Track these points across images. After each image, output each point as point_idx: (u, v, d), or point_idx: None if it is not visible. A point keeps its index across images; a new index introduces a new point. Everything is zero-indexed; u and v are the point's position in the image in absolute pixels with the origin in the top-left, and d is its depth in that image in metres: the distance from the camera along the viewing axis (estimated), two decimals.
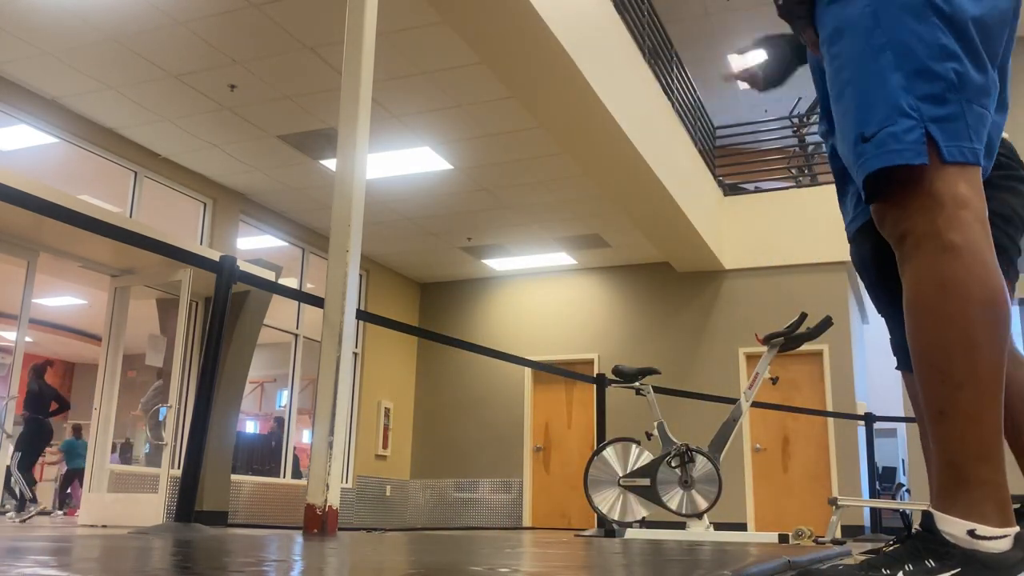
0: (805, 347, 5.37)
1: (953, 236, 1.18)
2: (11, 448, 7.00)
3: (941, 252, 1.18)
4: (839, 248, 9.75)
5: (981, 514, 1.12)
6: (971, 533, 1.12)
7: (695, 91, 10.24)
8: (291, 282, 10.37)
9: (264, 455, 12.16)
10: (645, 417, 5.55)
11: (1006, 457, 2.17)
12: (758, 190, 11.09)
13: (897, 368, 1.60)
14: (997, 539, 1.12)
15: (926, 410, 1.20)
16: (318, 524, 3.44)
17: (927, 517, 1.16)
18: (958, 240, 1.18)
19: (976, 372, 1.15)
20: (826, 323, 4.87)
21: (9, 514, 7.89)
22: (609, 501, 5.15)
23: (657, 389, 5.47)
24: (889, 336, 1.44)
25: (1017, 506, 2.07)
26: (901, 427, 11.26)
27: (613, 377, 5.44)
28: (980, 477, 1.14)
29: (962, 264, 1.18)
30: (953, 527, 1.13)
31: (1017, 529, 1.14)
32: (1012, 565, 1.12)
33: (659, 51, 8.89)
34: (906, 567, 1.13)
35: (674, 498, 4.98)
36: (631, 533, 5.01)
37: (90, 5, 6.13)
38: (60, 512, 11.54)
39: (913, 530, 1.20)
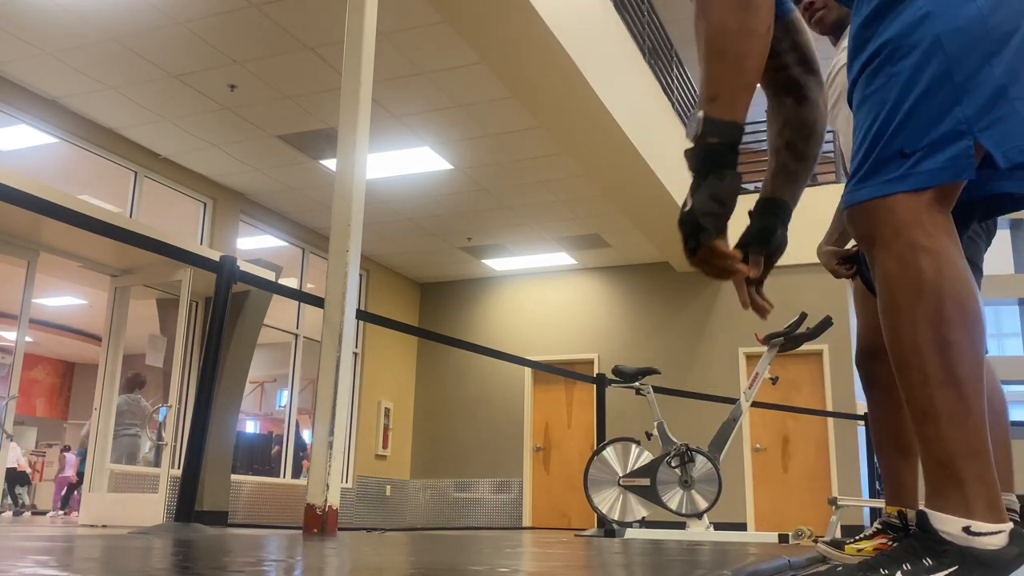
0: (805, 347, 5.37)
1: (921, 239, 1.20)
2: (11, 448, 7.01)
3: (911, 253, 1.20)
4: None
5: (974, 510, 1.13)
6: (966, 530, 1.13)
7: (695, 91, 10.24)
8: (291, 282, 10.37)
9: (265, 454, 12.17)
10: (645, 417, 5.55)
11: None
12: (758, 190, 11.08)
13: None
14: (992, 535, 1.12)
15: (909, 411, 1.21)
16: (318, 524, 3.44)
17: (922, 516, 1.17)
18: (926, 242, 1.20)
19: (955, 371, 1.16)
20: (826, 323, 4.87)
21: None
22: (609, 501, 5.15)
23: (657, 389, 5.47)
24: None
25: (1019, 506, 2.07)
26: None
27: (613, 377, 5.44)
28: (970, 474, 1.14)
29: (933, 265, 1.19)
30: (948, 525, 1.14)
31: (1011, 525, 1.14)
32: (1009, 561, 1.12)
33: (659, 51, 8.89)
34: (904, 566, 1.14)
35: (674, 498, 4.98)
36: (631, 533, 5.01)
37: (90, 5, 6.13)
38: (61, 512, 11.55)
39: (910, 529, 1.21)
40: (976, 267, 2.25)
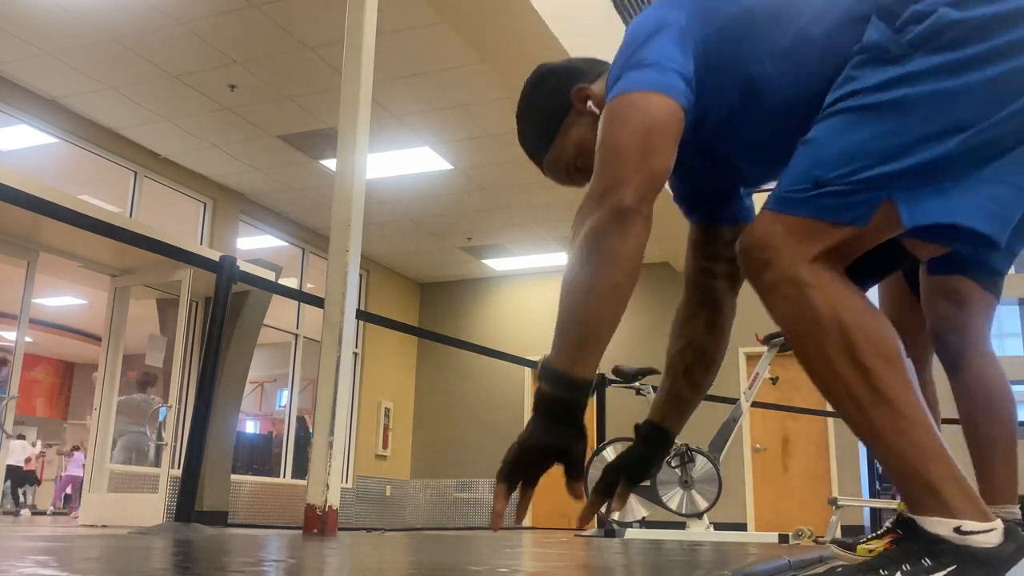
0: None
1: (804, 276, 1.21)
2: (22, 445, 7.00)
3: (797, 292, 1.21)
4: None
5: (958, 510, 1.14)
6: (957, 530, 1.13)
7: None
8: (291, 282, 10.36)
9: (265, 454, 12.18)
10: (645, 417, 5.54)
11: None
12: (759, 189, 11.09)
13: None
14: (985, 533, 1.13)
15: (856, 435, 1.22)
16: (318, 524, 3.44)
17: (911, 523, 1.17)
18: (810, 279, 1.21)
19: (882, 390, 1.17)
20: None
21: None
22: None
23: (657, 389, 5.46)
24: None
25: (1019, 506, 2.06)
26: None
27: (613, 377, 5.43)
28: (938, 476, 1.15)
29: (824, 299, 1.20)
30: (939, 527, 1.14)
31: (1001, 523, 1.15)
32: (1007, 558, 1.12)
33: None
34: (903, 567, 1.14)
35: (674, 498, 4.98)
36: (631, 533, 5.01)
37: (90, 5, 6.13)
38: (75, 511, 11.55)
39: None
40: (996, 272, 2.24)
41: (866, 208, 1.20)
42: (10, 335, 11.06)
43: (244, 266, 3.88)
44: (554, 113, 1.57)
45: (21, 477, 13.70)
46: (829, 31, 1.31)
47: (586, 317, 1.30)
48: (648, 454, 1.71)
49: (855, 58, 1.28)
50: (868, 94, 1.23)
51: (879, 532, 2.36)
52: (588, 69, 1.56)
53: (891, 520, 2.36)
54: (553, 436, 1.32)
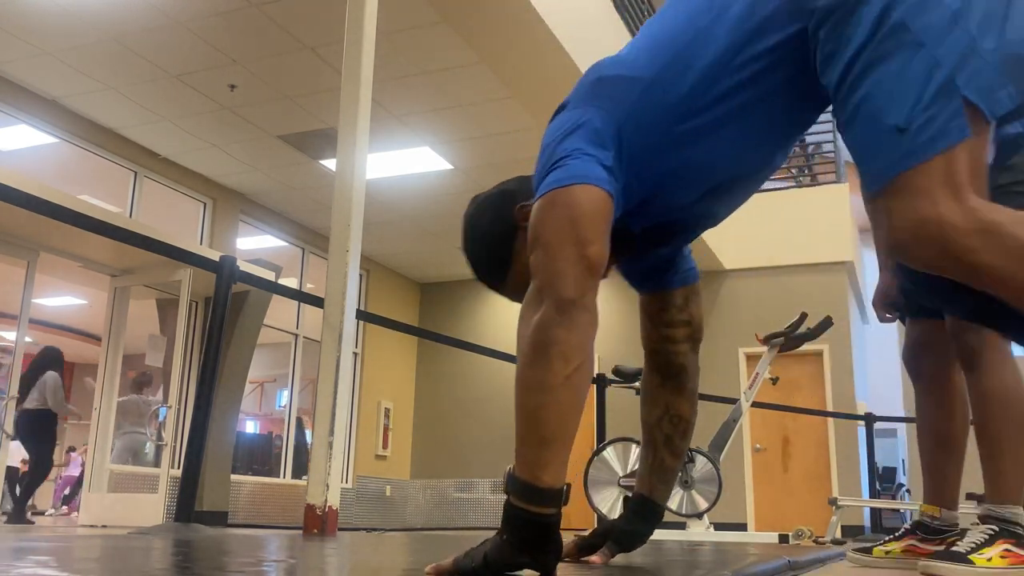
0: (805, 347, 5.36)
1: (982, 217, 1.17)
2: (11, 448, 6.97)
3: (986, 235, 1.16)
4: (839, 248, 9.74)
5: None
6: None
7: None
8: (291, 282, 10.36)
9: (265, 454, 12.17)
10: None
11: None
12: (758, 190, 11.06)
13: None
14: None
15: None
16: (318, 524, 3.44)
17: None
18: (991, 218, 1.17)
19: None
20: (826, 323, 4.87)
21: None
22: (609, 501, 5.15)
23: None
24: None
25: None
26: (901, 427, 11.25)
27: (613, 377, 5.43)
28: None
29: (1013, 229, 1.16)
30: None
31: None
32: None
33: None
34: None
35: (674, 498, 4.98)
36: None
37: (90, 5, 6.13)
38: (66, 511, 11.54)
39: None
40: None
41: (957, 118, 1.18)
42: (10, 335, 11.06)
43: (244, 266, 3.88)
44: (502, 240, 1.57)
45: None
46: (747, 59, 1.32)
47: (543, 416, 1.27)
48: (639, 529, 1.71)
49: (822, 34, 1.27)
50: (872, 42, 1.22)
51: (898, 534, 2.36)
52: (521, 188, 1.57)
53: (912, 521, 2.36)
54: (526, 556, 1.27)
